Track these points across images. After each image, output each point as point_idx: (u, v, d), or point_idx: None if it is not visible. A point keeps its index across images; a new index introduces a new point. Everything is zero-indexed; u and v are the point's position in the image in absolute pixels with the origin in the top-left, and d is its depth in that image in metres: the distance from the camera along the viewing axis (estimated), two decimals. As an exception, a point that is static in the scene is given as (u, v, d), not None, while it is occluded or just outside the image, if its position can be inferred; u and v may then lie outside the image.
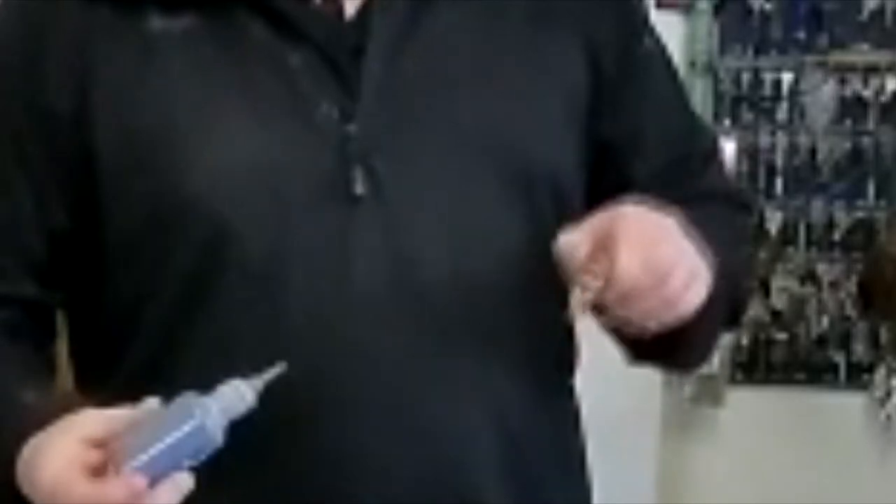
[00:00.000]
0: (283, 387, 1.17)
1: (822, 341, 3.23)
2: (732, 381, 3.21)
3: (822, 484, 3.18)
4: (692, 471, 3.26)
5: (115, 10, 1.20)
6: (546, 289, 1.26)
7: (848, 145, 3.19)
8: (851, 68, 3.17)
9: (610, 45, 1.29)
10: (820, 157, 3.20)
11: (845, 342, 3.23)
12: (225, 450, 1.17)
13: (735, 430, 3.24)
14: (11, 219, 1.23)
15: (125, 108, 1.19)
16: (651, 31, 1.35)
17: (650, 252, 1.11)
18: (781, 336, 3.24)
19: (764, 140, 3.20)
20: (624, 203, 1.15)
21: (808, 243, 3.22)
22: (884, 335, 3.21)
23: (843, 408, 3.22)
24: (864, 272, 3.13)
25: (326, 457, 1.18)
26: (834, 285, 3.22)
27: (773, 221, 3.18)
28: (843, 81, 3.17)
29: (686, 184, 1.31)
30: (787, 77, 3.18)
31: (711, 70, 3.18)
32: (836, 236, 3.21)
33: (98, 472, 1.07)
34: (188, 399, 1.08)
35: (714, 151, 1.42)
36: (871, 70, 3.16)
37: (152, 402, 1.09)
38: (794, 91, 3.18)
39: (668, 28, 1.42)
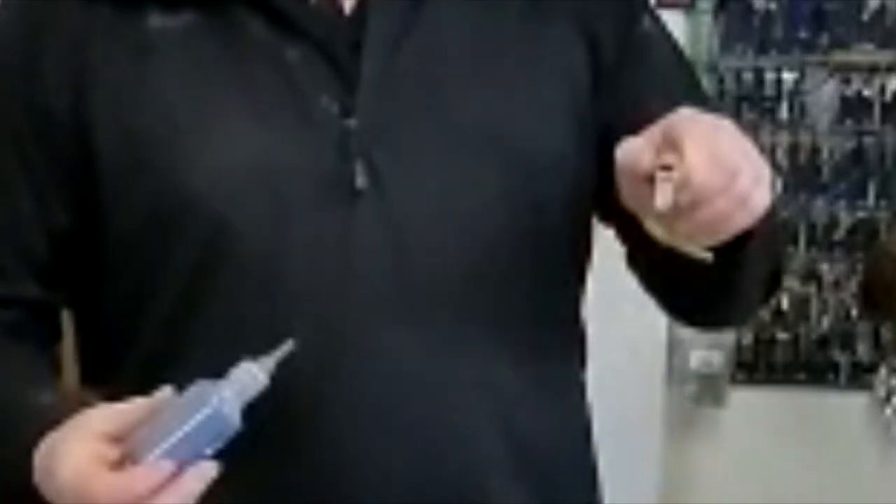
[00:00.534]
0: (284, 385, 1.17)
1: (823, 341, 3.23)
2: (734, 381, 3.21)
3: (824, 484, 3.17)
4: (694, 470, 3.25)
5: (114, 9, 1.20)
6: (550, 281, 1.26)
7: (850, 145, 3.19)
8: (853, 68, 3.16)
9: (607, 29, 1.29)
10: (822, 157, 3.20)
11: (847, 342, 3.22)
12: (225, 449, 1.17)
13: (737, 430, 3.24)
14: (12, 219, 1.22)
15: (124, 107, 1.19)
16: (650, 12, 1.34)
17: (716, 148, 1.07)
18: (783, 336, 3.23)
19: (765, 140, 3.19)
20: (679, 111, 1.12)
21: (810, 243, 3.21)
22: (886, 335, 3.21)
23: (845, 408, 3.22)
24: (865, 272, 3.12)
25: (328, 456, 1.18)
26: (836, 285, 3.21)
27: (775, 221, 3.17)
28: (845, 81, 3.17)
29: None
30: (788, 77, 3.18)
31: (713, 69, 3.17)
32: (838, 236, 3.21)
33: (117, 467, 1.07)
34: (202, 386, 1.07)
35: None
36: (873, 70, 3.16)
37: (166, 392, 1.08)
38: (796, 91, 3.18)
39: (670, 27, 1.41)
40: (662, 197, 1.07)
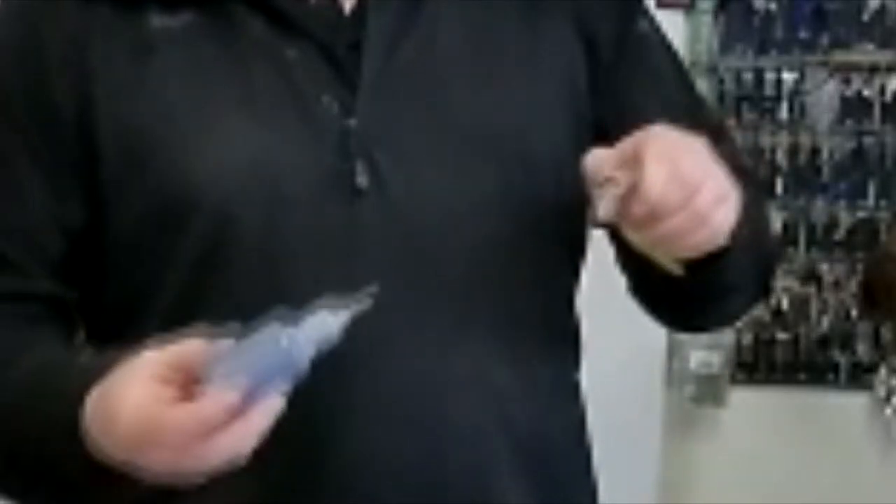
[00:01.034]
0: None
1: (824, 341, 3.23)
2: (734, 381, 3.21)
3: (824, 484, 3.18)
4: (694, 471, 3.25)
5: (114, 8, 1.20)
6: (548, 280, 1.26)
7: (850, 145, 3.19)
8: (854, 68, 3.16)
9: (605, 30, 1.29)
10: (822, 157, 3.20)
11: (847, 342, 3.22)
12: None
13: (737, 431, 3.24)
14: (26, 216, 1.22)
15: (125, 107, 1.19)
16: (646, 13, 1.35)
17: (677, 164, 1.09)
18: (783, 336, 3.24)
19: (765, 140, 3.19)
20: (652, 126, 1.14)
21: (810, 243, 3.21)
22: (886, 335, 3.21)
23: (845, 408, 3.22)
24: (866, 272, 3.12)
25: (328, 456, 1.18)
26: (836, 285, 3.21)
27: (775, 221, 3.17)
28: (845, 81, 3.17)
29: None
30: (789, 77, 3.18)
31: (713, 69, 3.17)
32: (838, 236, 3.21)
33: (180, 403, 1.03)
34: (273, 327, 1.04)
35: (721, 129, 1.41)
36: (873, 70, 3.16)
37: (230, 329, 1.06)
38: (796, 91, 3.18)
39: (670, 27, 1.41)
40: (604, 207, 1.10)
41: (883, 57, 3.16)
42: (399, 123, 1.20)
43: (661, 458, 3.07)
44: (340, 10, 1.22)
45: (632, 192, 1.10)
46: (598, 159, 1.12)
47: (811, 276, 3.22)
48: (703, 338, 3.10)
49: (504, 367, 1.23)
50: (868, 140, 3.18)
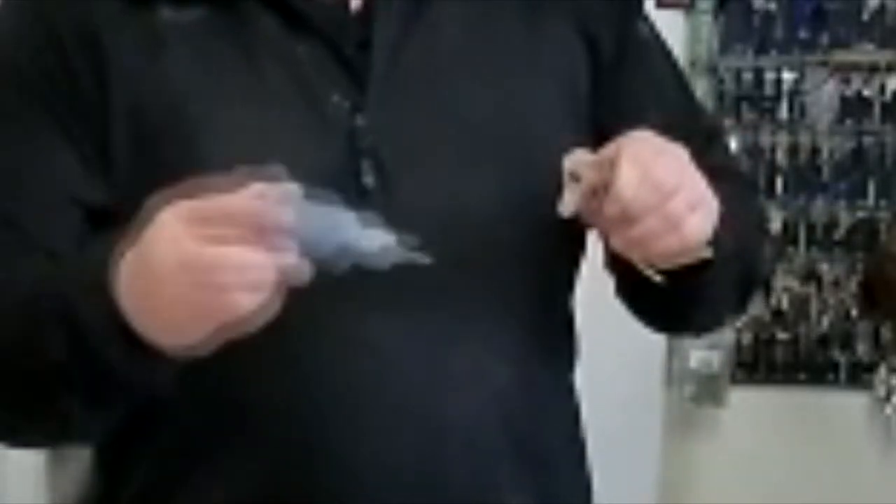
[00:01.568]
0: (290, 383, 1.17)
1: (823, 341, 3.23)
2: (734, 380, 3.21)
3: (824, 483, 3.18)
4: (694, 470, 3.25)
5: (124, 1, 1.20)
6: (548, 280, 1.26)
7: (850, 145, 3.19)
8: (853, 68, 3.16)
9: (606, 30, 1.30)
10: (822, 157, 3.20)
11: (847, 342, 3.22)
12: (228, 445, 1.18)
13: (736, 430, 3.24)
14: (50, 186, 1.20)
15: (136, 98, 1.19)
16: (645, 17, 1.36)
17: (652, 168, 1.10)
18: (783, 336, 3.24)
19: (765, 139, 3.19)
20: (632, 132, 1.15)
21: (810, 243, 3.21)
22: (885, 335, 3.21)
23: (845, 407, 3.22)
24: (866, 272, 3.12)
25: (327, 454, 1.18)
26: (836, 285, 3.21)
27: (775, 221, 3.17)
28: (845, 81, 3.17)
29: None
30: (788, 76, 3.18)
31: (713, 69, 3.17)
32: (838, 236, 3.21)
33: None
34: (349, 215, 1.03)
35: (716, 132, 1.42)
36: (873, 70, 3.16)
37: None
38: (796, 90, 3.18)
39: (669, 27, 1.42)
40: (565, 202, 1.13)
41: (883, 56, 3.16)
42: (405, 123, 1.20)
43: (661, 458, 3.07)
44: (350, 8, 1.23)
45: (604, 192, 1.11)
46: (575, 159, 1.13)
47: (811, 276, 3.22)
48: (703, 337, 3.10)
49: (504, 367, 1.23)
50: (868, 140, 3.18)
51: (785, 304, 3.23)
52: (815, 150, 3.20)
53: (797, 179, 3.20)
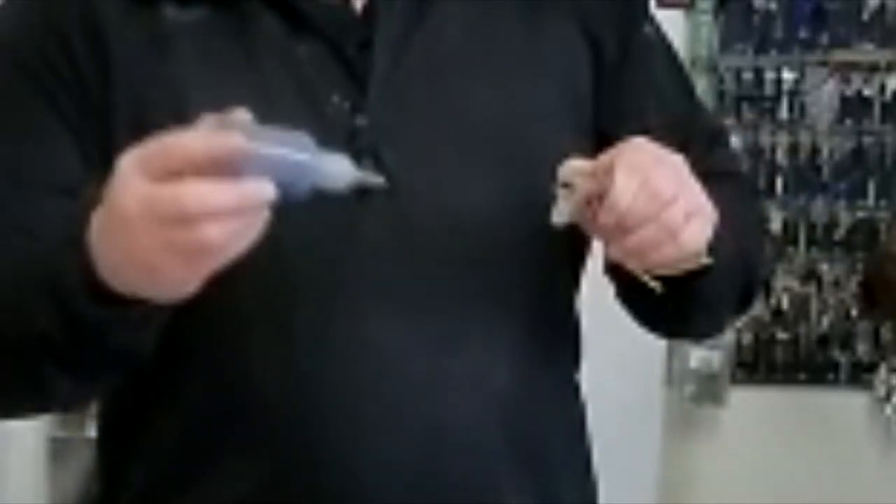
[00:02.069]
0: (290, 384, 1.17)
1: (823, 341, 3.23)
2: (734, 380, 3.22)
3: (825, 483, 3.18)
4: (694, 470, 3.26)
5: (128, 1, 1.20)
6: (549, 280, 1.26)
7: (850, 145, 3.19)
8: (853, 67, 3.17)
9: (610, 30, 1.29)
10: (822, 156, 3.20)
11: (847, 342, 3.23)
12: (229, 446, 1.18)
13: (737, 430, 3.24)
14: (53, 175, 1.19)
15: (138, 96, 1.19)
16: (651, 18, 1.35)
17: (649, 177, 1.10)
18: (783, 336, 3.24)
19: (765, 139, 3.20)
20: (630, 140, 1.14)
21: (810, 243, 3.22)
22: (885, 335, 3.21)
23: (845, 407, 3.22)
24: (866, 272, 3.13)
25: (327, 454, 1.18)
26: (836, 285, 3.22)
27: (775, 221, 3.17)
28: (845, 81, 3.17)
29: (692, 166, 1.30)
30: (788, 76, 3.18)
31: (713, 69, 3.18)
32: (838, 236, 3.21)
33: None
34: (305, 138, 1.01)
35: (720, 133, 1.42)
36: (873, 69, 3.16)
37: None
38: (796, 90, 3.18)
39: (670, 26, 1.42)
40: (557, 211, 1.13)
41: (883, 56, 3.16)
42: (406, 123, 1.20)
43: (660, 458, 3.07)
44: (351, 9, 1.23)
45: (599, 201, 1.11)
46: (572, 167, 1.13)
47: (811, 276, 3.22)
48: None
49: (504, 369, 1.23)
50: (868, 139, 3.19)
51: (785, 304, 3.23)
52: (815, 150, 3.20)
53: (797, 179, 3.20)
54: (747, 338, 3.23)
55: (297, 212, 1.17)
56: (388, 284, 1.18)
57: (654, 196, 1.09)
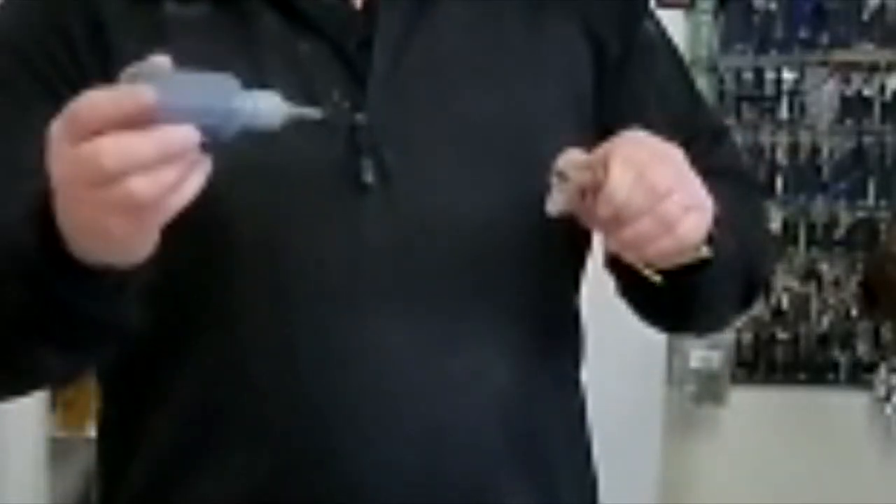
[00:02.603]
0: (290, 384, 1.17)
1: (824, 340, 3.23)
2: (734, 380, 3.22)
3: (825, 483, 3.18)
4: (694, 470, 3.26)
5: None
6: (550, 279, 1.26)
7: (850, 144, 3.19)
8: (854, 67, 3.17)
9: (611, 30, 1.29)
10: (822, 156, 3.20)
11: (847, 341, 3.23)
12: (229, 446, 1.18)
13: (737, 430, 3.24)
14: None
15: None
16: (651, 15, 1.35)
17: (646, 170, 1.10)
18: (783, 335, 3.24)
19: (765, 139, 3.20)
20: (626, 133, 1.14)
21: (810, 242, 3.22)
22: (886, 334, 3.21)
23: (846, 407, 3.22)
24: (866, 272, 3.13)
25: (327, 454, 1.18)
26: (836, 285, 3.22)
27: (775, 221, 3.18)
28: (845, 81, 3.17)
29: (693, 163, 1.30)
30: (788, 76, 3.18)
31: (713, 69, 3.18)
32: (838, 236, 3.21)
33: None
34: (229, 80, 1.00)
35: (722, 132, 1.42)
36: (873, 69, 3.16)
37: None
38: (796, 90, 3.18)
39: (670, 26, 1.41)
40: (551, 201, 1.12)
41: (883, 56, 3.16)
42: (407, 122, 1.20)
43: (661, 457, 3.07)
44: (352, 7, 1.23)
45: (593, 194, 1.11)
46: (568, 159, 1.13)
47: (811, 275, 3.22)
48: (704, 337, 3.10)
49: (504, 367, 1.23)
50: (868, 139, 3.19)
51: (785, 303, 3.23)
52: (815, 150, 3.20)
53: (797, 179, 3.21)
54: (747, 337, 3.23)
55: (296, 211, 1.18)
56: (387, 283, 1.18)
57: (650, 189, 1.09)
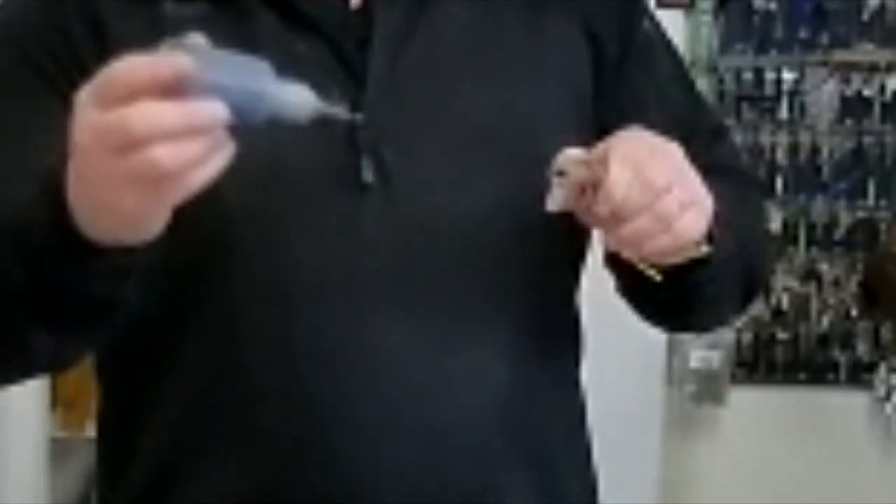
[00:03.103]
0: (289, 384, 1.17)
1: (823, 340, 3.23)
2: (734, 380, 3.22)
3: (825, 483, 3.18)
4: (694, 470, 3.26)
5: None
6: (549, 279, 1.26)
7: (850, 144, 3.19)
8: (853, 67, 3.17)
9: (610, 28, 1.30)
10: (822, 156, 3.20)
11: (847, 341, 3.23)
12: (228, 446, 1.18)
13: (737, 430, 3.24)
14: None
15: None
16: (650, 15, 1.36)
17: (644, 167, 1.10)
18: (783, 335, 3.24)
19: (765, 139, 3.20)
20: (625, 131, 1.15)
21: (810, 242, 3.22)
22: (885, 334, 3.21)
23: (845, 407, 3.22)
24: (866, 272, 3.13)
25: (327, 453, 1.18)
26: (836, 284, 3.22)
27: (775, 221, 3.18)
28: (845, 81, 3.17)
29: (693, 162, 1.30)
30: (788, 76, 3.18)
31: (713, 69, 3.18)
32: (838, 236, 3.21)
33: None
34: (264, 65, 1.00)
35: (721, 131, 1.42)
36: (873, 69, 3.16)
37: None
38: (796, 90, 3.18)
39: (670, 27, 1.42)
40: (551, 198, 1.13)
41: (883, 56, 3.16)
42: (405, 121, 1.20)
43: (661, 457, 3.07)
44: (350, 6, 1.23)
45: (593, 190, 1.11)
46: (567, 157, 1.13)
47: (811, 275, 3.22)
48: (704, 336, 3.10)
49: (504, 367, 1.23)
50: (868, 139, 3.19)
51: (785, 303, 3.23)
52: (815, 150, 3.20)
53: (797, 179, 3.20)
54: (747, 337, 3.23)
55: (296, 211, 1.18)
56: (387, 283, 1.18)
57: (648, 186, 1.09)
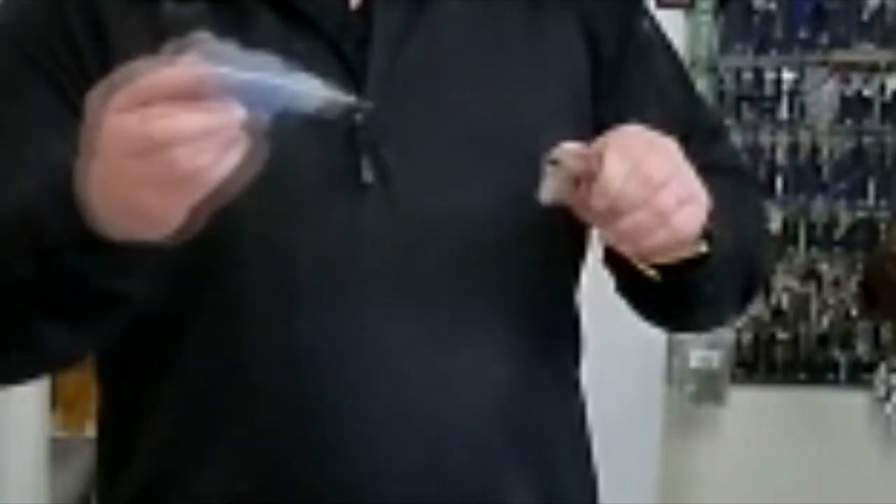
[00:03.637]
0: (290, 384, 1.17)
1: (823, 340, 3.23)
2: (734, 380, 3.22)
3: (824, 483, 3.18)
4: (694, 470, 3.26)
5: None
6: (549, 277, 1.26)
7: (849, 144, 3.19)
8: (853, 67, 3.17)
9: (608, 28, 1.30)
10: (821, 156, 3.20)
11: (847, 341, 3.23)
12: (228, 445, 1.18)
13: (737, 430, 3.24)
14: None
15: None
16: (649, 16, 1.36)
17: (641, 162, 1.10)
18: (783, 335, 3.24)
19: (765, 139, 3.20)
20: (623, 127, 1.15)
21: (810, 242, 3.22)
22: (885, 334, 3.21)
23: (845, 407, 3.22)
24: (866, 271, 3.13)
25: (328, 452, 1.18)
26: (836, 284, 3.22)
27: (775, 221, 3.18)
28: (845, 81, 3.17)
29: (691, 160, 1.30)
30: (788, 76, 3.18)
31: (713, 69, 3.18)
32: (838, 235, 3.21)
33: None
34: (271, 58, 1.02)
35: (719, 129, 1.42)
36: (873, 69, 3.16)
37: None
38: (796, 90, 3.18)
39: (670, 27, 1.42)
40: (544, 189, 1.13)
41: (883, 56, 3.16)
42: (405, 120, 1.20)
43: (660, 457, 3.07)
44: (349, 6, 1.23)
45: (587, 184, 1.11)
46: (565, 150, 1.13)
47: (811, 275, 3.22)
48: (704, 336, 3.10)
49: (504, 366, 1.23)
50: (868, 139, 3.19)
51: (785, 303, 3.23)
52: (815, 150, 3.20)
53: (797, 179, 3.20)
54: (747, 337, 3.23)
55: (296, 210, 1.18)
56: (387, 282, 1.18)
57: (646, 180, 1.10)
